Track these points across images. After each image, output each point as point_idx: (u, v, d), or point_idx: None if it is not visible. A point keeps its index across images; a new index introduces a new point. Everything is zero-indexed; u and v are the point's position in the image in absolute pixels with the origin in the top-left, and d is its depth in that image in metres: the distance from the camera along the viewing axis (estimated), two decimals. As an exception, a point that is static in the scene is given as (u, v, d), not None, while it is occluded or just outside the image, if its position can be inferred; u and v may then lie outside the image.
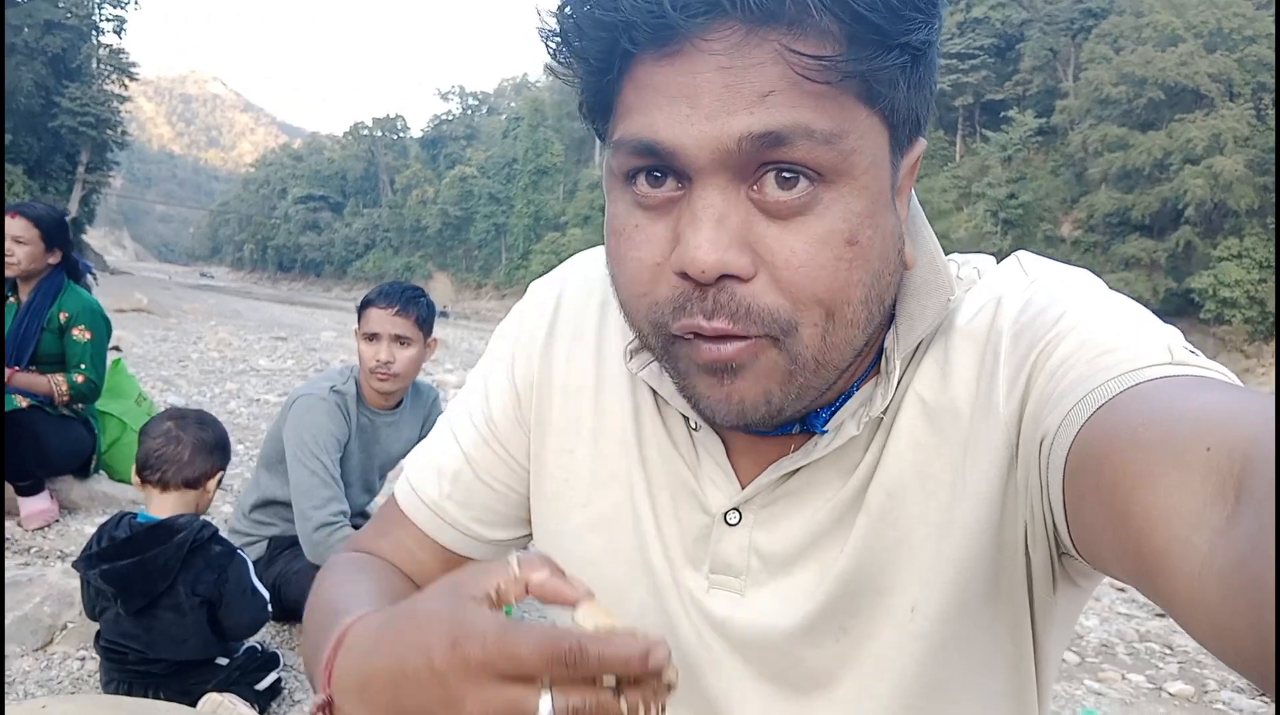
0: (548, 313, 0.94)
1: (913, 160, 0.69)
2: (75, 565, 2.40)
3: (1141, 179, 49.92)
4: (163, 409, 5.61)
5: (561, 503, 0.90)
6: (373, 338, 2.99)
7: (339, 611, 0.72)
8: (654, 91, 0.61)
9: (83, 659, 2.70)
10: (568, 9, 0.61)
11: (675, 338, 0.67)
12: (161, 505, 2.44)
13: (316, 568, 2.93)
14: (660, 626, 0.84)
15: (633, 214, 0.67)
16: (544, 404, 0.91)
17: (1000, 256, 0.81)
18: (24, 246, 3.68)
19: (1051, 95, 61.49)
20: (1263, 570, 0.39)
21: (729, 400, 0.67)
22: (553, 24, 0.63)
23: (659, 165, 0.64)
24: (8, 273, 3.69)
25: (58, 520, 3.81)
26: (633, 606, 0.85)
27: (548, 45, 0.63)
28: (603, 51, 0.61)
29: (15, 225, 3.67)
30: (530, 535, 0.98)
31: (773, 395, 0.67)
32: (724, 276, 0.62)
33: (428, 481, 0.95)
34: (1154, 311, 0.68)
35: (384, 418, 3.23)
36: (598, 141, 0.71)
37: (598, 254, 0.94)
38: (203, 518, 2.49)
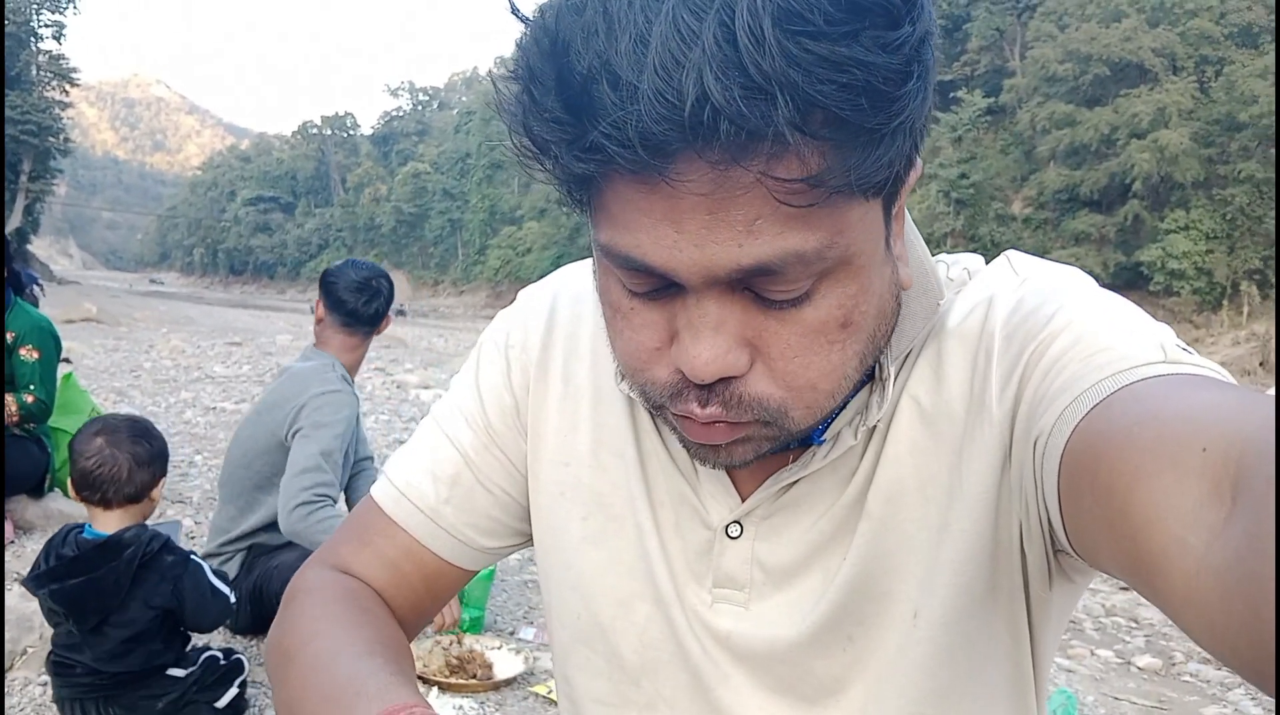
0: (542, 322, 0.92)
1: (909, 187, 0.66)
2: (25, 584, 2.34)
3: (1089, 155, 50.46)
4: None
5: (558, 515, 0.89)
6: None
7: (344, 689, 0.69)
8: (636, 210, 0.58)
9: (45, 684, 2.63)
10: (529, 118, 0.56)
11: (665, 406, 0.68)
12: (106, 521, 2.37)
13: (300, 555, 2.88)
14: (665, 639, 0.84)
15: (626, 297, 0.65)
16: (539, 415, 0.90)
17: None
18: None
19: (999, 74, 62.00)
20: (1259, 569, 0.39)
21: (715, 456, 0.69)
22: (512, 115, 0.58)
23: (652, 278, 0.62)
24: None
25: (13, 541, 3.73)
26: (638, 620, 0.85)
27: (510, 130, 0.59)
28: (577, 173, 0.57)
29: None
30: (518, 546, 0.96)
31: (760, 451, 0.69)
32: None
33: (422, 485, 0.90)
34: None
35: None
36: None
37: (589, 265, 0.92)
38: (151, 527, 2.42)
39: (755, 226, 0.56)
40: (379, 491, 0.93)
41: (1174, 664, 4.06)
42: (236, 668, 2.56)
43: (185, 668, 2.43)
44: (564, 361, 0.90)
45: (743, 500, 0.80)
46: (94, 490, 2.35)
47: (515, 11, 0.58)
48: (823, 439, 0.75)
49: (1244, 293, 42.86)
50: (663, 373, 0.65)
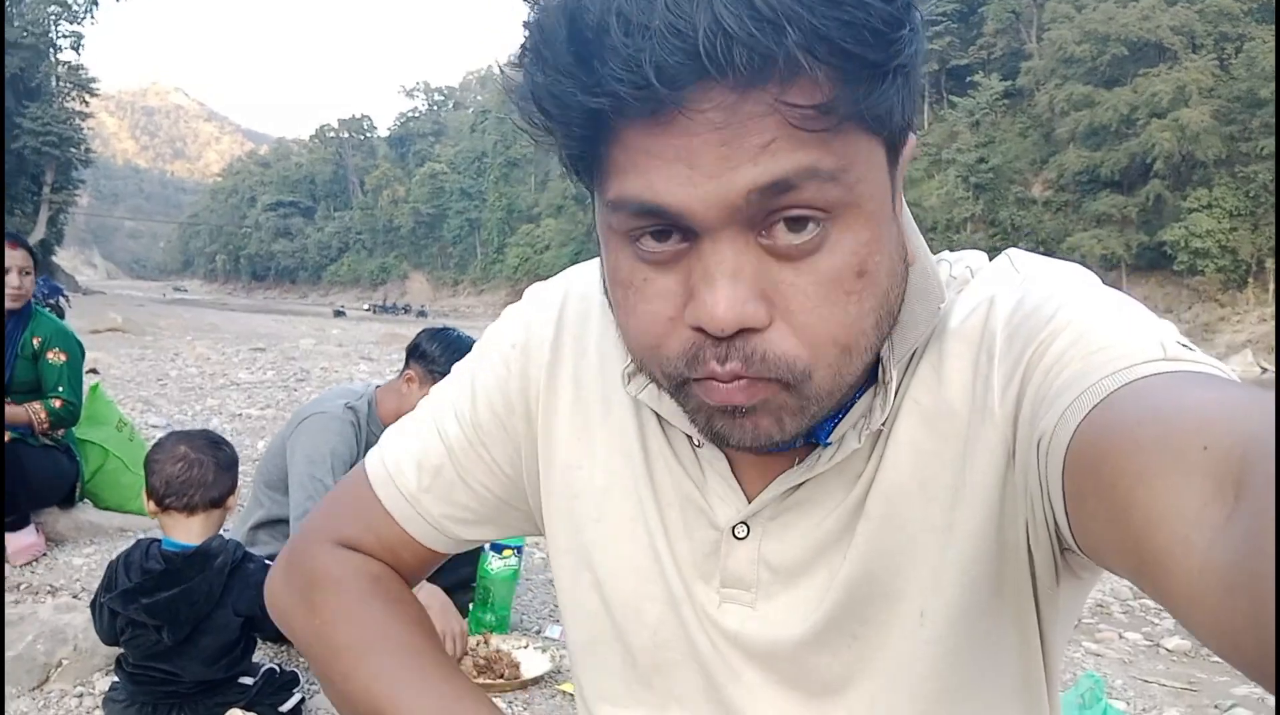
0: (550, 327, 0.92)
1: (906, 160, 0.68)
2: (109, 604, 2.34)
3: (1109, 136, 50.10)
4: (144, 431, 5.57)
5: (573, 519, 0.90)
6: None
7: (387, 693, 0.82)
8: (647, 155, 0.59)
9: (80, 696, 2.68)
10: (539, 78, 0.59)
11: (688, 380, 0.67)
12: (187, 530, 2.39)
13: None
14: (677, 639, 0.85)
15: (639, 268, 0.65)
16: (551, 420, 0.90)
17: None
18: (28, 277, 3.69)
19: (1016, 57, 61.62)
20: (1262, 567, 0.39)
21: (743, 429, 0.67)
22: (522, 87, 0.60)
23: (664, 225, 0.63)
24: (14, 305, 3.65)
25: (45, 554, 3.77)
26: (649, 620, 0.86)
27: (518, 105, 0.61)
28: (584, 122, 0.59)
29: (17, 256, 3.63)
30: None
31: (786, 425, 0.67)
32: (741, 329, 0.62)
33: (406, 473, 0.93)
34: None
35: None
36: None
37: (596, 266, 0.91)
38: (233, 539, 2.48)
39: (771, 147, 0.57)
40: (372, 467, 0.96)
41: (1203, 645, 4.03)
42: (293, 680, 2.63)
43: (252, 676, 2.50)
44: (574, 364, 0.90)
45: (749, 501, 0.81)
46: (179, 495, 2.37)
47: None
48: (829, 441, 0.75)
49: (1269, 270, 42.42)
50: (677, 343, 0.65)
